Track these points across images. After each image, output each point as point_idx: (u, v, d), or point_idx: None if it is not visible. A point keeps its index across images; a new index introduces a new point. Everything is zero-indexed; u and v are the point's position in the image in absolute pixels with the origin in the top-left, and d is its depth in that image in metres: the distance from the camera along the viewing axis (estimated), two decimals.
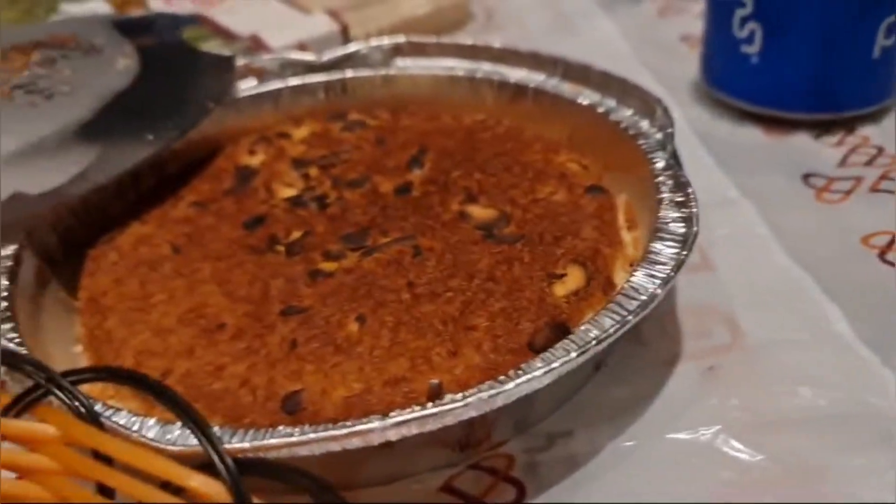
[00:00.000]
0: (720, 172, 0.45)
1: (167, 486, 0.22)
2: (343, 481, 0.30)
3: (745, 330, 0.35)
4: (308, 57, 0.47)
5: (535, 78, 0.45)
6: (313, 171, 0.41)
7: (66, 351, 0.35)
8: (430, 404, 0.27)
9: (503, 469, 0.30)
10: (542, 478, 0.30)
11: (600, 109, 0.41)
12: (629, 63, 0.56)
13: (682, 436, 0.30)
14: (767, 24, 0.46)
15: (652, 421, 0.31)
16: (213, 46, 0.54)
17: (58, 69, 0.43)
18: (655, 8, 0.63)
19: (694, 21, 0.60)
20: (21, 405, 0.25)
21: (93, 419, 0.24)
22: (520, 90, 0.44)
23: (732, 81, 0.49)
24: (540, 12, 0.63)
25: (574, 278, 0.33)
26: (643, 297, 0.30)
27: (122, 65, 0.44)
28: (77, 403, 0.24)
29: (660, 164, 0.37)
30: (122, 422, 0.27)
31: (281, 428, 0.26)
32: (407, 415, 0.26)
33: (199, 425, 0.22)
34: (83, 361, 0.35)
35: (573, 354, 0.27)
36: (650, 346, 0.34)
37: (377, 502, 0.30)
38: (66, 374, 0.25)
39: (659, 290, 0.30)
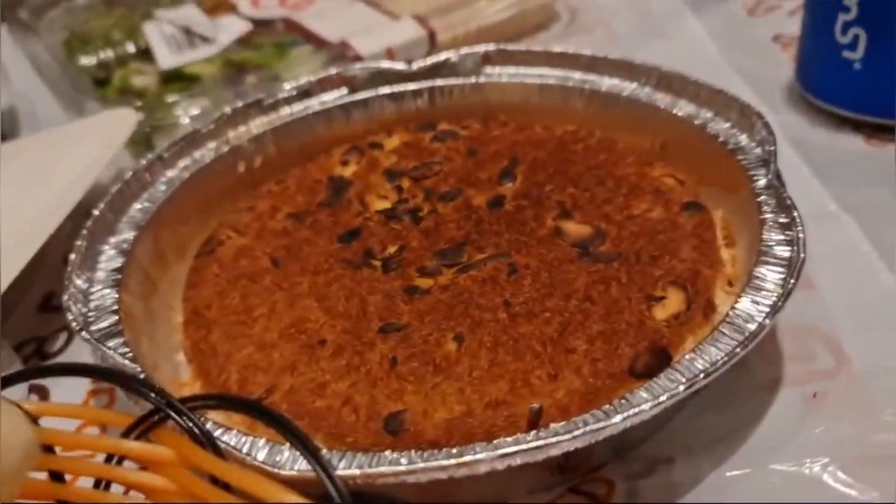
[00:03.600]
0: (818, 183, 0.44)
1: None
2: (443, 503, 0.30)
3: (850, 354, 0.34)
4: (398, 66, 0.47)
5: (627, 87, 0.44)
6: (406, 183, 0.42)
7: (170, 360, 0.36)
8: (532, 432, 0.27)
9: (603, 495, 0.30)
10: None
11: (696, 121, 0.41)
12: (718, 66, 0.55)
13: (787, 467, 0.30)
14: (872, 30, 0.44)
15: (754, 450, 0.31)
16: (303, 52, 0.54)
17: None
18: (745, 6, 0.61)
19: (786, 20, 0.58)
20: (141, 428, 0.26)
21: (210, 444, 0.25)
22: (611, 99, 0.44)
23: (832, 87, 0.48)
24: (626, 12, 0.62)
25: (674, 301, 0.33)
26: (751, 327, 0.29)
27: None
28: (195, 429, 0.25)
29: (761, 183, 0.36)
30: (232, 442, 0.28)
31: (388, 454, 0.27)
32: (514, 446, 0.26)
33: (318, 459, 0.23)
34: (186, 371, 0.36)
35: (681, 388, 0.27)
36: (749, 369, 0.34)
37: None
38: (185, 400, 0.26)
39: (767, 321, 0.29)
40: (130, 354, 0.32)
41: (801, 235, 0.32)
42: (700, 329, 0.32)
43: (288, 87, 0.46)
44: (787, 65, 0.53)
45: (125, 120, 0.46)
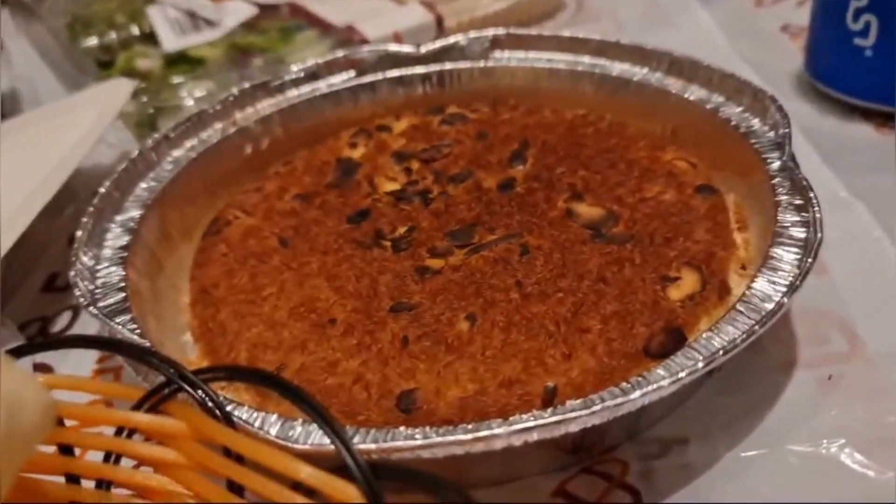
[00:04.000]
0: (828, 171, 0.44)
1: (298, 486, 0.22)
2: (455, 482, 0.30)
3: (864, 338, 0.34)
4: (406, 49, 0.46)
5: (637, 71, 0.44)
6: (415, 165, 0.41)
7: (176, 340, 0.36)
8: (548, 409, 0.27)
9: (618, 475, 0.30)
10: (657, 485, 0.29)
11: (708, 106, 0.40)
12: (726, 56, 0.54)
13: (803, 448, 0.30)
14: (884, 17, 0.44)
15: (770, 431, 0.30)
16: (309, 36, 0.54)
17: None
18: None
19: (794, 10, 0.58)
20: (153, 400, 0.25)
21: (223, 416, 0.25)
22: (622, 84, 0.44)
23: (843, 75, 0.47)
24: (632, 2, 0.62)
25: (689, 282, 0.33)
26: (768, 307, 0.29)
27: None
28: (209, 401, 0.25)
29: (775, 165, 0.36)
30: (244, 417, 0.28)
31: (402, 429, 0.26)
32: (532, 421, 0.26)
33: (336, 431, 0.22)
34: (193, 351, 0.35)
35: (700, 365, 0.27)
36: (764, 351, 0.34)
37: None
38: (197, 372, 0.25)
39: (786, 300, 0.29)
40: (138, 331, 0.32)
41: (817, 216, 0.32)
42: (715, 310, 0.32)
43: (295, 69, 0.46)
44: (795, 55, 0.52)
45: (121, 88, 0.45)
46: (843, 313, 0.35)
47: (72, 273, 0.34)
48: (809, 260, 0.30)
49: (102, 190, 0.38)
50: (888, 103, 0.46)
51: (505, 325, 0.32)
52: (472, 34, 0.47)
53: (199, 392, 0.25)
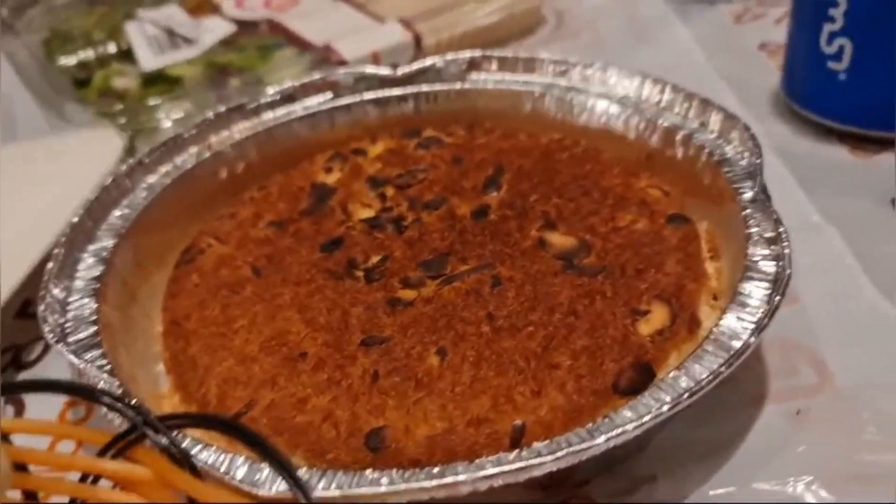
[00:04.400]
0: (802, 194, 0.44)
1: None
2: None
3: (833, 370, 0.34)
4: (383, 71, 0.46)
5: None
6: (389, 191, 0.41)
7: (149, 371, 0.36)
8: (515, 451, 0.27)
9: None
10: None
11: (682, 132, 0.40)
12: (704, 73, 0.55)
13: (770, 486, 0.30)
14: (858, 41, 0.44)
15: (738, 468, 0.30)
16: (287, 54, 0.54)
17: None
18: (732, 13, 0.61)
19: (773, 28, 0.58)
20: (118, 446, 0.25)
21: (188, 464, 0.25)
22: None
23: (817, 98, 0.48)
24: (613, 17, 0.62)
25: (658, 316, 0.33)
26: (736, 345, 0.29)
27: None
28: (173, 448, 0.25)
29: (747, 196, 0.36)
30: (210, 460, 0.28)
31: (368, 473, 0.26)
32: (496, 467, 0.26)
33: (296, 480, 0.22)
34: (165, 382, 0.35)
35: (665, 408, 0.27)
36: (734, 384, 0.34)
37: None
38: (163, 418, 0.25)
39: (752, 339, 0.29)
40: (108, 367, 0.32)
41: (787, 251, 0.32)
42: (684, 344, 0.32)
43: (271, 91, 0.46)
44: (772, 73, 0.53)
45: (111, 145, 0.45)
46: (813, 343, 0.35)
47: (41, 308, 0.34)
48: (778, 297, 0.30)
49: (75, 219, 0.38)
50: (863, 126, 0.46)
51: (475, 360, 0.32)
52: (449, 56, 0.47)
53: (164, 439, 0.25)
